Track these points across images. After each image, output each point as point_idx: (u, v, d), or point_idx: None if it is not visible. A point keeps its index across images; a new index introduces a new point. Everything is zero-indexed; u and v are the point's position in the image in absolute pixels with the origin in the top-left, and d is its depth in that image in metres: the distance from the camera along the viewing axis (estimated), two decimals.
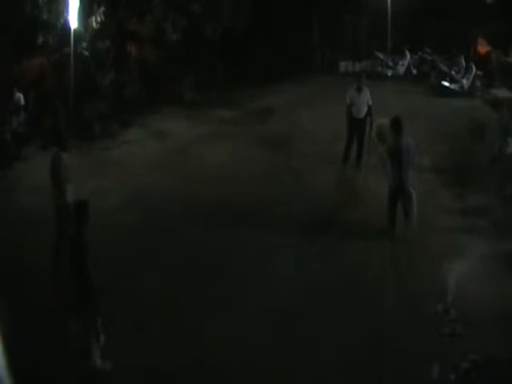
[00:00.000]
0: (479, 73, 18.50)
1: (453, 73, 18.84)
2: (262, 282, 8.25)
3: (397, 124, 9.18)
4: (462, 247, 8.50)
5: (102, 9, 16.49)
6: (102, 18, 16.51)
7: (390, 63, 21.20)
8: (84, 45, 16.28)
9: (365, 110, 12.38)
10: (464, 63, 18.84)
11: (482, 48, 20.17)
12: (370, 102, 12.42)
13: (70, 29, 14.95)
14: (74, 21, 14.97)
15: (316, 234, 9.69)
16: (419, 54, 20.83)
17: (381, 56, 21.39)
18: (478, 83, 18.43)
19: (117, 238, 9.49)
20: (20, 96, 14.27)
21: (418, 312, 7.30)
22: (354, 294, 7.90)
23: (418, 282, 8.00)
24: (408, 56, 20.90)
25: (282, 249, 9.16)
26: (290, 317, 7.42)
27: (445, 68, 19.19)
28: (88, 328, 6.57)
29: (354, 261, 8.81)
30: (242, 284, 8.20)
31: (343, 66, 21.62)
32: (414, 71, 20.90)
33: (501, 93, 17.53)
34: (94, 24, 16.46)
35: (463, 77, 18.56)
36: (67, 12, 15.00)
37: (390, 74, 21.08)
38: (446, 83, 18.65)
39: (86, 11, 15.84)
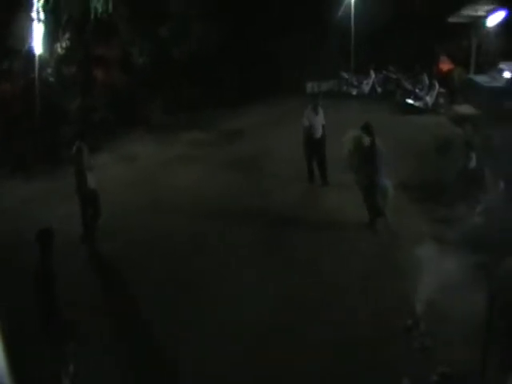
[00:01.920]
0: (442, 90, 18.92)
1: (417, 90, 19.21)
2: (232, 295, 8.49)
3: (370, 127, 10.14)
4: (431, 261, 8.60)
5: (67, 35, 16.46)
6: (68, 43, 16.48)
7: (355, 82, 21.56)
8: (49, 70, 16.23)
9: (321, 129, 12.39)
10: (427, 81, 19.21)
11: (445, 65, 20.64)
12: (324, 122, 12.48)
13: (34, 55, 14.92)
14: (38, 46, 14.96)
15: (283, 245, 10.00)
16: (384, 72, 21.19)
17: (345, 75, 21.72)
18: (442, 100, 18.82)
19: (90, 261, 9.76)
20: None
21: (388, 326, 7.37)
22: (322, 308, 7.97)
23: (387, 296, 8.09)
24: (373, 75, 21.29)
25: (250, 261, 9.48)
26: (262, 330, 7.59)
27: (409, 86, 19.54)
28: (58, 357, 6.49)
29: (323, 275, 8.90)
30: (216, 297, 8.45)
31: (309, 86, 21.84)
32: (379, 90, 21.27)
33: (464, 109, 17.91)
34: (60, 49, 16.43)
35: (427, 94, 18.95)
36: (32, 38, 14.99)
37: (354, 93, 21.45)
38: (410, 101, 19.02)
39: (51, 37, 15.82)
